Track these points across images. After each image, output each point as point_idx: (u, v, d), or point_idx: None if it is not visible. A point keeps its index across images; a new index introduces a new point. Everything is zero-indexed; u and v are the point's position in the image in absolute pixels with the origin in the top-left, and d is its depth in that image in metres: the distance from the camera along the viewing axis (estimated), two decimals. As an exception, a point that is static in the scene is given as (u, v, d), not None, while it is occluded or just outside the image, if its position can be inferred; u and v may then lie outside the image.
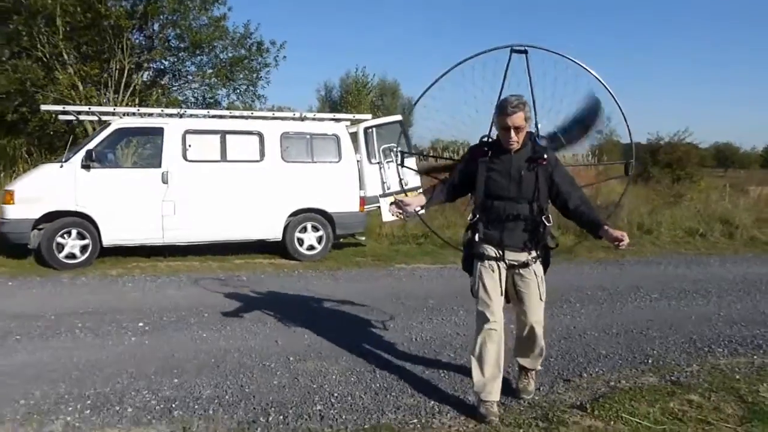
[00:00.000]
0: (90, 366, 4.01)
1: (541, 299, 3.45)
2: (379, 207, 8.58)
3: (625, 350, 4.65)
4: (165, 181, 7.60)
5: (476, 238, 3.43)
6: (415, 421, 3.32)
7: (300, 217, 8.31)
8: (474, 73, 4.25)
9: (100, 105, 12.94)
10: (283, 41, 15.90)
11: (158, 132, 7.78)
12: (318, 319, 5.36)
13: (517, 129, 3.19)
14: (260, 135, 8.14)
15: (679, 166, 20.47)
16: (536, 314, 3.45)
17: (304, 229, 8.37)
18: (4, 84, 12.24)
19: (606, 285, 7.10)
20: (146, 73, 16.03)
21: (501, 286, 3.37)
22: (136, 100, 14.77)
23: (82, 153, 7.28)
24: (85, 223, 7.35)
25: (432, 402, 3.59)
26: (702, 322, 5.55)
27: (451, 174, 3.57)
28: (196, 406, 3.44)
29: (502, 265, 3.37)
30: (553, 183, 3.32)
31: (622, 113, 4.21)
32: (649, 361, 4.40)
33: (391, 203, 3.31)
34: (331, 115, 8.97)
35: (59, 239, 7.24)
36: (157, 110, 8.61)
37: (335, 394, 3.67)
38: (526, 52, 4.02)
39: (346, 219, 8.49)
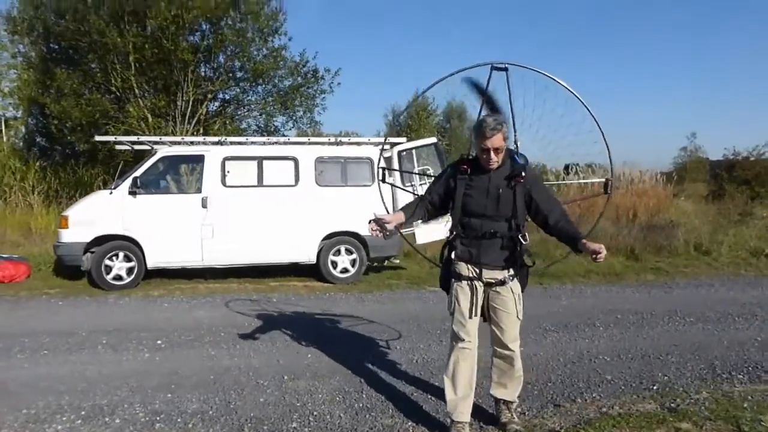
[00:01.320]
0: (98, 379, 4.30)
1: (518, 317, 3.40)
2: (413, 230, 8.62)
3: (632, 376, 4.44)
4: (204, 205, 8.01)
5: (452, 255, 3.44)
6: (382, 440, 3.34)
7: (334, 240, 8.48)
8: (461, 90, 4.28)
9: (167, 135, 13.76)
10: (337, 68, 16.36)
11: (199, 159, 8.23)
12: (327, 339, 5.45)
13: (496, 150, 3.20)
14: (295, 160, 8.42)
15: (758, 183, 19.22)
16: (512, 333, 3.41)
17: (338, 252, 8.53)
18: (77, 116, 13.32)
19: (641, 308, 6.78)
20: (211, 103, 16.91)
21: (476, 306, 3.36)
22: (201, 130, 15.62)
23: (129, 180, 7.81)
24: (131, 246, 7.84)
25: (409, 423, 3.61)
26: (732, 347, 5.21)
27: (428, 191, 3.57)
28: (179, 420, 3.61)
29: (478, 284, 3.36)
30: (531, 200, 3.30)
31: (600, 129, 4.08)
32: (654, 387, 4.19)
33: (370, 220, 3.32)
34: (365, 139, 9.13)
35: (107, 261, 7.76)
36: (200, 138, 9.10)
37: (315, 413, 3.74)
38: (506, 69, 4.01)
39: (380, 242, 8.53)
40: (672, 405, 3.80)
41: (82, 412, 3.69)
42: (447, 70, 4.15)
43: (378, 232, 3.29)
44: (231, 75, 16.45)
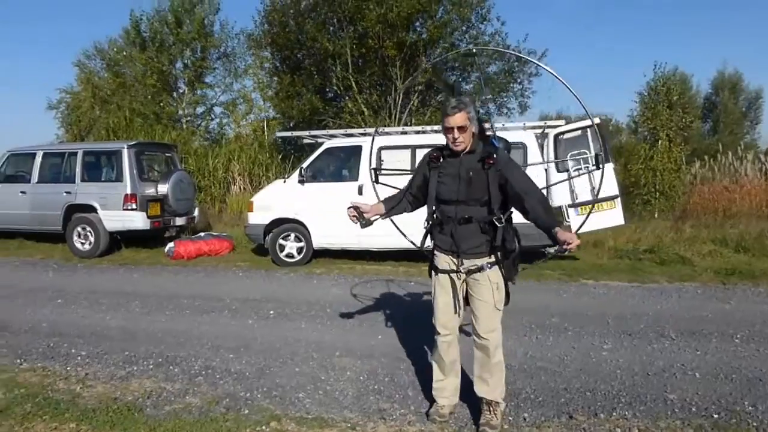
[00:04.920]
0: (195, 336, 5.17)
1: (496, 307, 3.27)
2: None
3: (705, 400, 3.68)
4: (360, 192, 8.64)
5: (431, 245, 3.46)
6: (357, 419, 3.47)
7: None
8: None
9: (380, 127, 14.92)
10: (544, 50, 15.77)
11: (358, 150, 8.88)
12: (414, 324, 5.51)
13: (461, 129, 3.13)
14: (446, 148, 8.52)
15: None
16: (488, 323, 3.28)
17: (490, 239, 8.41)
18: (296, 115, 15.29)
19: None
20: (426, 93, 17.69)
21: (453, 298, 3.36)
22: (411, 120, 16.50)
23: (298, 170, 8.84)
24: (300, 229, 8.90)
25: (403, 410, 3.63)
26: None
27: (409, 184, 3.58)
28: (217, 376, 4.21)
29: (455, 276, 3.32)
30: (507, 183, 3.14)
31: (579, 101, 3.44)
32: (716, 416, 3.44)
33: (349, 207, 3.50)
34: (519, 124, 8.77)
35: (281, 241, 8.94)
36: (360, 130, 9.76)
37: (327, 388, 4.00)
38: (475, 54, 3.76)
39: (531, 230, 8.13)
40: (710, 438, 3.12)
41: (159, 359, 4.55)
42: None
43: (355, 218, 3.44)
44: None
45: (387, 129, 9.39)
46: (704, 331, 5.16)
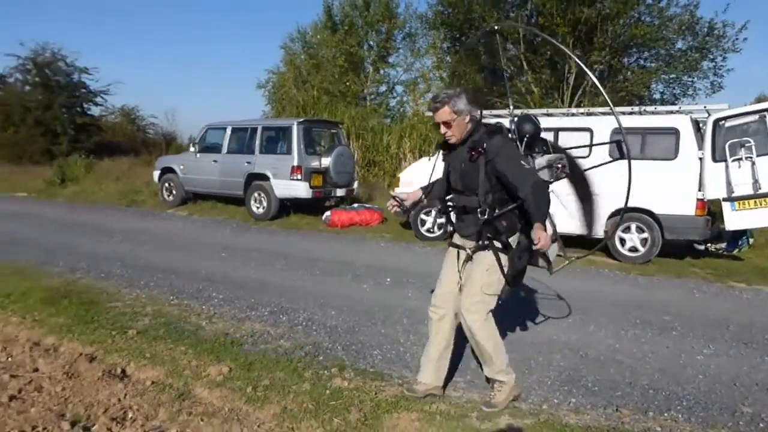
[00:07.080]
0: (313, 294, 5.87)
1: (483, 291, 3.26)
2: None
3: (719, 405, 3.40)
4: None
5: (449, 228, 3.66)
6: (409, 378, 3.81)
7: (624, 216, 7.99)
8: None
9: (551, 107, 14.60)
10: (745, 21, 13.93)
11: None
12: (524, 307, 5.56)
13: (446, 124, 3.21)
14: (590, 131, 8.24)
15: None
16: (467, 300, 3.30)
17: (628, 230, 8.03)
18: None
19: None
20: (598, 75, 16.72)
21: (454, 272, 3.44)
22: (584, 101, 15.80)
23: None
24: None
25: (456, 378, 3.88)
26: None
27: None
28: (314, 327, 4.83)
29: (462, 252, 3.43)
30: (498, 173, 3.12)
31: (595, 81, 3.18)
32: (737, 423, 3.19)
33: (390, 197, 3.80)
34: (674, 107, 8.07)
35: (422, 216, 9.43)
36: (497, 112, 9.72)
37: (401, 349, 4.40)
38: (496, 31, 3.79)
39: (677, 222, 7.65)
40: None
41: (275, 309, 5.32)
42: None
43: (396, 208, 3.69)
44: (615, 43, 15.93)
45: (529, 111, 9.27)
46: (844, 350, 4.57)
